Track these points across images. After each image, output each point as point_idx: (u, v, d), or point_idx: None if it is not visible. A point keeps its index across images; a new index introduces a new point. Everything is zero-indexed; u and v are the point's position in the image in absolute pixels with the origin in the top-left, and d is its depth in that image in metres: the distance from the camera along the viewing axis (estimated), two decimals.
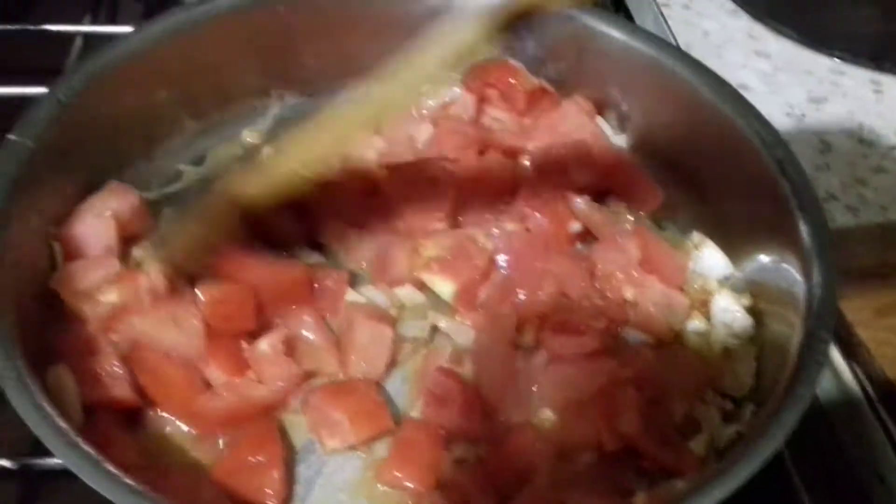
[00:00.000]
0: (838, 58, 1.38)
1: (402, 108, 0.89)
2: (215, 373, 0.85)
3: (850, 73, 1.37)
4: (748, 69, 1.36)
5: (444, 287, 0.95)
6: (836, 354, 0.96)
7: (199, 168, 1.08)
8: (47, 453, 0.78)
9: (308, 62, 1.13)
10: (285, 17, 1.08)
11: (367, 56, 1.09)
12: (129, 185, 0.98)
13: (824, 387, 0.97)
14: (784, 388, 0.75)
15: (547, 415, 0.85)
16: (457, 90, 1.13)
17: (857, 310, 0.96)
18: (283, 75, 1.13)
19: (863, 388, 0.93)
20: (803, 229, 0.87)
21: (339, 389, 0.85)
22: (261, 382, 0.85)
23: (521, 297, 0.92)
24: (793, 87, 1.34)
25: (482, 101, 1.12)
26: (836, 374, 0.96)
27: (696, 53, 1.33)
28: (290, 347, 0.87)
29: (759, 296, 0.95)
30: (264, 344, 0.86)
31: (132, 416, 0.84)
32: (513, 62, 1.13)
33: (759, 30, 1.44)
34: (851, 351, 0.95)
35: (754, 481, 0.81)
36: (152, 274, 0.87)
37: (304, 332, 0.89)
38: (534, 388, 0.87)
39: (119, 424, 0.82)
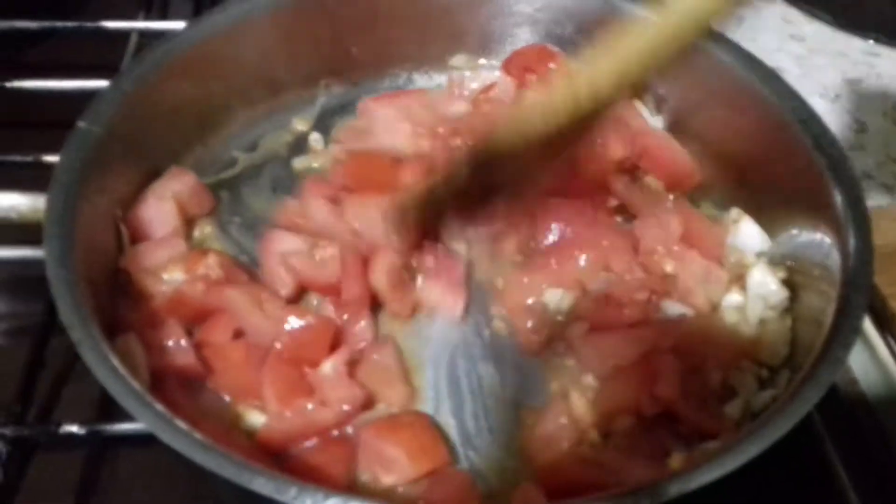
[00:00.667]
0: (872, 39, 1.39)
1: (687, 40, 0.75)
2: (272, 399, 0.85)
3: (884, 54, 1.38)
4: (783, 52, 1.38)
5: None
6: (870, 329, 0.98)
7: (253, 154, 1.12)
8: (114, 419, 0.86)
9: (354, 53, 1.17)
10: (332, 9, 1.12)
11: (409, 45, 1.18)
12: (188, 170, 1.03)
13: (859, 362, 0.99)
14: (819, 352, 0.77)
15: (588, 381, 0.89)
16: (497, 74, 1.17)
17: (891, 284, 0.98)
18: (330, 66, 1.17)
19: None
20: (839, 202, 0.89)
21: (392, 424, 0.84)
22: (324, 405, 0.84)
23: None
24: (827, 69, 1.36)
25: (521, 85, 1.15)
26: (871, 347, 0.98)
27: (731, 38, 1.35)
28: (353, 369, 0.88)
29: (794, 268, 0.97)
30: (328, 366, 0.86)
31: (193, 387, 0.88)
32: (551, 47, 1.16)
33: (794, 14, 1.46)
34: (886, 324, 0.97)
35: (792, 462, 0.84)
36: (212, 255, 0.92)
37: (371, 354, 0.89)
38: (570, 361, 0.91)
39: (183, 391, 0.86)
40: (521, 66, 1.15)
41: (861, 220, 0.87)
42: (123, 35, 1.29)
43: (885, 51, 1.38)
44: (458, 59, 1.20)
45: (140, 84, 0.97)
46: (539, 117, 0.81)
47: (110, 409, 0.89)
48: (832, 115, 1.27)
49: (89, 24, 1.30)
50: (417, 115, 1.11)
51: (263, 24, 1.09)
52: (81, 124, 0.90)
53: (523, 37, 1.19)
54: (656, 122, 1.14)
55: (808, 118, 0.97)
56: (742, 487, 0.82)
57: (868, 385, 0.98)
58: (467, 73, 1.18)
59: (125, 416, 0.84)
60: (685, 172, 1.08)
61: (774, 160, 1.01)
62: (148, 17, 1.38)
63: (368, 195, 0.99)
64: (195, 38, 1.04)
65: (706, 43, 1.04)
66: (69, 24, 1.30)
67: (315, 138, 1.14)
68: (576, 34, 1.15)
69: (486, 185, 0.89)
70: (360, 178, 1.03)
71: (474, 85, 1.16)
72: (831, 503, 0.86)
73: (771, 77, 1.02)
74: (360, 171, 1.05)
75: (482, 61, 1.20)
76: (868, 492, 0.86)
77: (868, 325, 0.97)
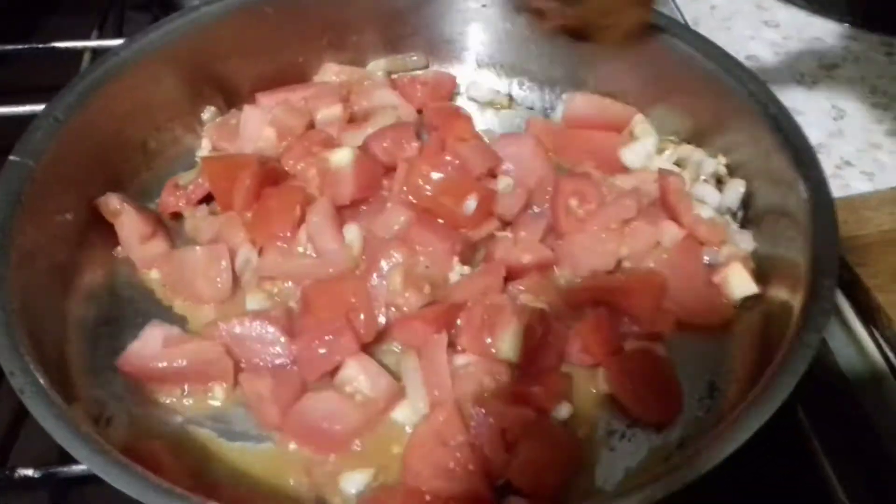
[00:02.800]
0: (848, 23, 1.36)
1: None
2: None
3: (860, 38, 1.35)
4: (757, 40, 1.35)
5: None
6: (855, 321, 0.95)
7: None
8: (71, 461, 0.82)
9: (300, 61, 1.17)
10: (273, 17, 1.11)
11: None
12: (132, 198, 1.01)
13: (844, 354, 0.96)
14: (791, 339, 0.77)
15: None
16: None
17: (874, 275, 0.95)
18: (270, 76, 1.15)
19: (883, 354, 0.92)
20: (801, 185, 0.88)
21: None
22: None
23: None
24: (803, 55, 1.33)
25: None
26: (856, 340, 0.95)
27: (704, 27, 1.33)
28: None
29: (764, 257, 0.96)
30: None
31: None
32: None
33: (767, 0, 1.42)
34: (870, 316, 0.95)
35: (778, 456, 0.84)
36: None
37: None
38: None
39: None
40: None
41: (824, 202, 0.87)
42: (77, 55, 1.25)
43: (860, 34, 1.35)
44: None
45: (73, 111, 0.94)
46: None
47: None
48: (810, 102, 1.24)
49: (41, 46, 1.27)
50: (281, 116, 1.10)
51: (200, 38, 1.07)
52: (13, 158, 0.88)
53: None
54: None
55: (766, 98, 0.97)
56: (728, 479, 0.81)
57: (854, 377, 0.95)
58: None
59: None
60: None
61: (737, 141, 1.01)
62: (102, 36, 1.34)
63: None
64: (127, 60, 1.01)
65: (667, 33, 1.04)
66: (20, 46, 1.27)
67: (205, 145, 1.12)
68: None
69: None
70: (217, 181, 1.02)
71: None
72: (817, 494, 0.84)
73: (724, 57, 1.03)
74: (219, 177, 1.02)
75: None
76: (855, 484, 0.85)
77: (852, 318, 0.96)
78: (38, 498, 0.85)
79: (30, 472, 0.82)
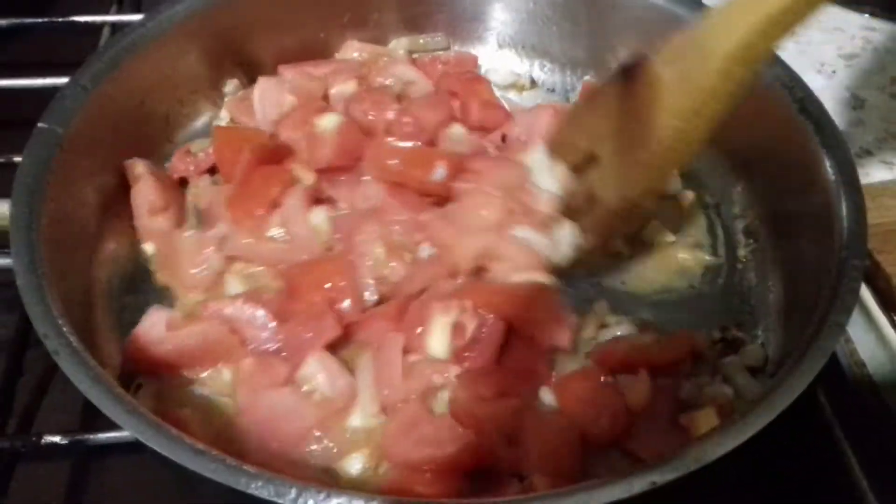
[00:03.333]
0: (868, 13, 1.36)
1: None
2: None
3: (880, 28, 1.35)
4: None
5: None
6: (876, 310, 0.95)
7: None
8: (97, 428, 0.83)
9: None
10: None
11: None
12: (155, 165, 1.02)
13: (864, 342, 0.96)
14: (819, 318, 0.77)
15: None
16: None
17: (895, 262, 0.95)
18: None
19: None
20: (828, 164, 0.89)
21: None
22: None
23: None
24: (823, 44, 1.33)
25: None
26: (877, 328, 0.95)
27: None
28: None
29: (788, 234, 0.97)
30: None
31: None
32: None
33: None
34: (891, 303, 0.95)
35: (801, 446, 0.84)
36: None
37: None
38: None
39: None
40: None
41: (852, 182, 0.87)
42: (96, 29, 1.25)
43: (881, 25, 1.35)
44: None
45: (100, 80, 0.94)
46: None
47: (94, 418, 0.85)
48: (829, 92, 1.24)
49: (60, 20, 1.26)
50: (300, 83, 1.10)
51: (222, 13, 1.07)
52: (41, 125, 0.88)
53: None
54: None
55: (792, 83, 0.97)
56: (753, 472, 0.84)
57: (875, 367, 0.96)
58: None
59: (109, 425, 0.82)
60: None
61: (762, 126, 1.00)
62: (120, 11, 1.34)
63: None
64: (153, 31, 1.02)
65: (686, 12, 1.06)
66: (40, 20, 1.26)
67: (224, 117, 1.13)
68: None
69: None
70: (224, 155, 1.02)
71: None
72: (840, 485, 0.84)
73: None
74: (225, 147, 1.03)
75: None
76: (876, 473, 0.84)
77: (873, 306, 0.95)
78: (60, 468, 0.86)
79: (56, 438, 0.82)
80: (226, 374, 0.87)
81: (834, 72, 1.28)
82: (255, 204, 0.97)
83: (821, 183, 0.89)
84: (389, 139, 1.02)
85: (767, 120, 0.99)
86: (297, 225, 0.96)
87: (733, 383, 0.89)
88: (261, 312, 0.87)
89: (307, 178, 1.01)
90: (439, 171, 0.98)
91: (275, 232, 0.97)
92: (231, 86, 1.14)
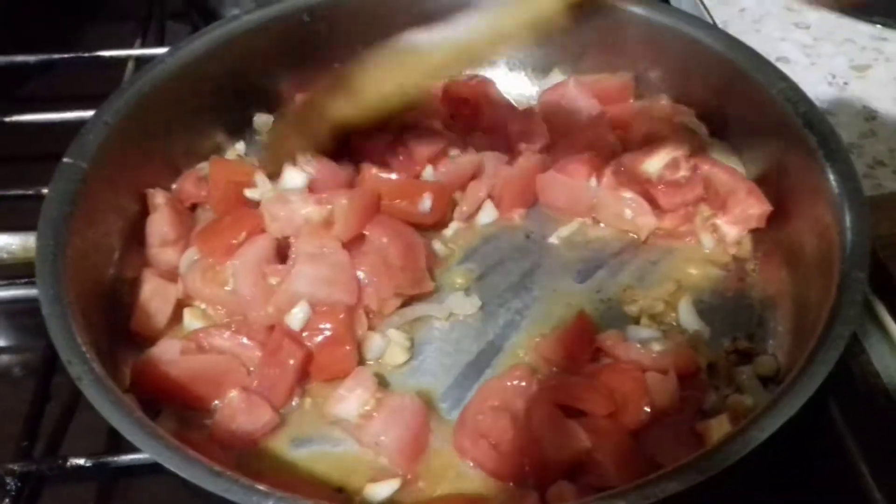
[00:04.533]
0: (879, 24, 1.36)
1: (478, 58, 0.94)
2: None
3: (892, 38, 1.34)
4: (788, 42, 1.35)
5: None
6: (888, 320, 0.95)
7: None
8: (123, 451, 0.85)
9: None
10: (309, 26, 1.15)
11: None
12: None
13: (878, 353, 0.95)
14: (822, 329, 0.78)
15: None
16: None
17: None
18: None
19: None
20: (832, 178, 0.90)
21: None
22: None
23: None
24: (834, 56, 1.32)
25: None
26: (890, 339, 0.95)
27: (734, 30, 1.34)
28: None
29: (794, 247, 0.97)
30: None
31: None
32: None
33: (796, 2, 1.43)
34: None
35: (813, 457, 0.85)
36: None
37: None
38: None
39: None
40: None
41: (855, 196, 0.88)
42: (121, 63, 1.30)
43: (892, 35, 1.34)
44: None
45: (122, 115, 0.98)
46: None
47: (119, 440, 0.87)
48: (841, 104, 1.24)
49: (86, 55, 1.31)
50: None
51: (242, 47, 1.11)
52: (66, 160, 0.91)
53: None
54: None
55: (796, 97, 0.99)
56: (765, 484, 0.84)
57: (888, 377, 0.95)
58: None
59: (133, 447, 0.84)
60: None
61: (768, 137, 1.03)
62: (144, 45, 1.38)
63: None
64: (173, 67, 1.05)
65: (699, 34, 1.08)
66: (66, 55, 1.31)
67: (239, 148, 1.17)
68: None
69: None
70: (216, 186, 1.04)
71: None
72: (852, 497, 0.85)
73: (754, 57, 1.05)
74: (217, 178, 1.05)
75: None
76: (889, 484, 0.84)
77: (886, 317, 0.95)
78: (86, 490, 0.89)
79: (81, 461, 0.85)
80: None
81: (846, 83, 1.28)
82: (213, 246, 0.97)
83: (825, 196, 0.90)
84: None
85: (772, 134, 1.01)
86: (244, 283, 0.94)
87: (746, 394, 0.90)
88: (249, 343, 0.90)
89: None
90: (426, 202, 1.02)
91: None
92: (261, 119, 1.17)
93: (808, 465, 0.87)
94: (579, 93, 1.15)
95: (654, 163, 1.04)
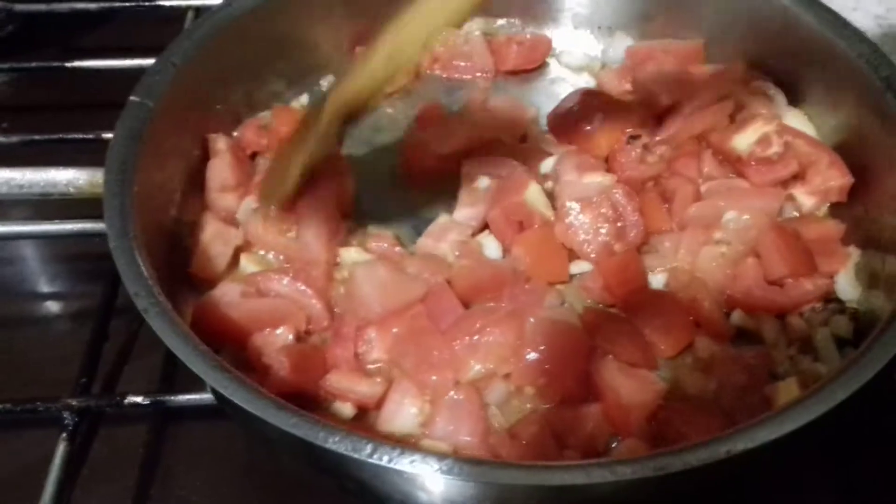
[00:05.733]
0: None
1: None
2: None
3: None
4: (860, 11, 1.32)
5: None
6: None
7: None
8: (176, 392, 0.87)
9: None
10: None
11: None
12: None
13: None
14: None
15: None
16: None
17: None
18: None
19: None
20: None
21: None
22: None
23: None
24: None
25: None
26: None
27: None
28: None
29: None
30: None
31: None
32: None
33: None
34: None
35: (877, 424, 0.83)
36: None
37: None
38: None
39: None
40: None
41: None
42: (181, 13, 1.29)
43: None
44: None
45: (188, 57, 0.98)
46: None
47: (172, 383, 0.91)
48: None
49: (146, 3, 1.31)
50: None
51: None
52: (133, 98, 0.91)
53: None
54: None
55: (879, 62, 0.95)
56: (829, 452, 0.84)
57: None
58: None
59: (187, 388, 0.87)
60: None
61: (847, 103, 0.99)
62: None
63: None
64: (238, 12, 1.04)
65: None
66: (127, 3, 1.31)
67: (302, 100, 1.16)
68: None
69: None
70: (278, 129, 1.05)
71: None
72: None
73: (837, 21, 1.01)
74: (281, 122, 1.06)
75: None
76: None
77: None
78: (138, 432, 0.89)
79: (139, 399, 0.86)
80: (285, 335, 0.88)
81: None
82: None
83: None
84: None
85: (851, 100, 0.98)
86: (307, 231, 0.95)
87: (821, 355, 0.88)
88: (309, 291, 0.90)
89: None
90: None
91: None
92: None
93: (869, 432, 0.85)
94: (666, 57, 1.12)
95: (745, 139, 1.01)
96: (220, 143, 1.02)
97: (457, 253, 0.95)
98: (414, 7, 0.81)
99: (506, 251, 0.97)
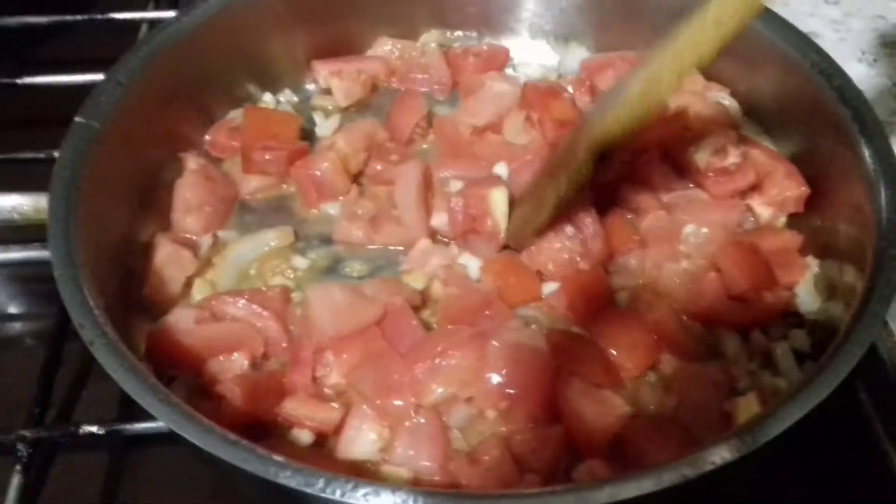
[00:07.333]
0: None
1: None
2: None
3: None
4: (817, 17, 1.33)
5: None
6: None
7: None
8: (134, 419, 0.84)
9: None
10: None
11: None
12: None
13: None
14: (857, 309, 0.76)
15: None
16: None
17: None
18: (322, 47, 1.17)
19: None
20: (867, 154, 0.88)
21: None
22: None
23: None
24: (864, 32, 1.30)
25: None
26: None
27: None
28: None
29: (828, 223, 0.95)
30: None
31: None
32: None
33: None
34: None
35: (841, 442, 0.84)
36: None
37: None
38: None
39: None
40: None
41: (891, 172, 0.85)
42: (134, 26, 1.27)
43: None
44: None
45: (135, 75, 0.96)
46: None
47: (131, 409, 0.87)
48: (871, 80, 1.22)
49: (99, 17, 1.28)
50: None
51: (255, 9, 1.08)
52: (79, 119, 0.89)
53: None
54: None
55: (830, 71, 0.96)
56: (791, 464, 0.84)
57: None
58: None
59: (145, 415, 0.83)
60: None
61: (799, 113, 1.00)
62: (157, 7, 1.36)
63: None
64: (187, 26, 1.03)
65: None
66: (79, 17, 1.28)
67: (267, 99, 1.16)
68: None
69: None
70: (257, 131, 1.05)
71: None
72: (878, 479, 0.84)
73: (789, 30, 1.01)
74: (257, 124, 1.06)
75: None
76: None
77: None
78: (97, 459, 0.88)
79: (94, 428, 0.84)
80: (240, 361, 0.87)
81: (875, 60, 1.25)
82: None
83: (860, 172, 0.87)
84: None
85: (804, 110, 0.98)
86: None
87: (781, 369, 0.88)
88: (265, 312, 0.89)
89: None
90: None
91: None
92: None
93: (834, 446, 0.85)
94: (624, 65, 1.11)
95: (702, 152, 1.01)
96: (189, 161, 1.01)
97: (443, 278, 0.95)
98: (666, 46, 0.79)
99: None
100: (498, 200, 0.97)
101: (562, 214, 0.94)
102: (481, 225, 0.97)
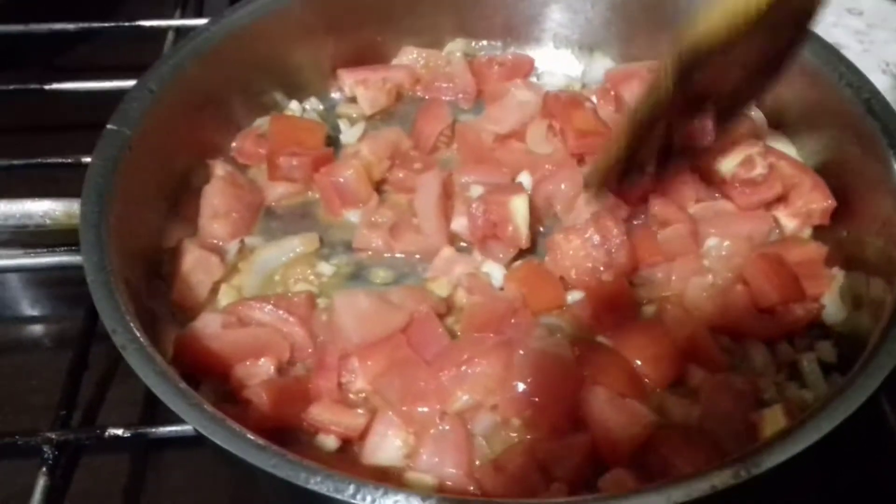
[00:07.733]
0: None
1: None
2: None
3: None
4: (840, 28, 1.32)
5: None
6: None
7: None
8: (158, 422, 0.85)
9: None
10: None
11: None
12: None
13: None
14: (886, 325, 0.76)
15: None
16: None
17: None
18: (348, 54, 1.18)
19: None
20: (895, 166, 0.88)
21: None
22: None
23: None
24: (888, 43, 1.29)
25: None
26: None
27: None
28: None
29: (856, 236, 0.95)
30: None
31: None
32: None
33: None
34: None
35: (862, 448, 0.83)
36: None
37: None
38: None
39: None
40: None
41: None
42: (160, 33, 1.28)
43: None
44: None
45: (165, 83, 0.97)
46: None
47: (154, 412, 0.89)
48: (894, 92, 1.21)
49: (126, 24, 1.30)
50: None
51: (282, 17, 1.09)
52: (110, 126, 0.90)
53: None
54: None
55: (859, 84, 0.96)
56: (814, 477, 0.84)
57: None
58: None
59: (169, 419, 0.84)
60: None
61: (828, 125, 1.00)
62: (184, 15, 1.37)
63: None
64: (216, 35, 1.04)
65: None
66: (106, 24, 1.30)
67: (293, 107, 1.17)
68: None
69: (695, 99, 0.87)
70: (283, 138, 1.07)
71: None
72: None
73: (819, 44, 1.01)
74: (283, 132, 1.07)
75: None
76: None
77: None
78: (120, 462, 0.89)
79: (119, 431, 0.85)
80: (267, 366, 0.88)
81: None
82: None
83: (888, 186, 0.87)
84: None
85: (831, 122, 0.98)
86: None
87: (808, 381, 0.88)
88: (291, 318, 0.89)
89: None
90: None
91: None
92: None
93: (857, 457, 0.85)
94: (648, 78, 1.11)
95: (729, 161, 1.01)
96: (217, 168, 1.02)
97: (466, 286, 0.95)
98: None
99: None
100: (519, 207, 0.97)
101: (635, 156, 0.92)
102: (502, 231, 0.97)
